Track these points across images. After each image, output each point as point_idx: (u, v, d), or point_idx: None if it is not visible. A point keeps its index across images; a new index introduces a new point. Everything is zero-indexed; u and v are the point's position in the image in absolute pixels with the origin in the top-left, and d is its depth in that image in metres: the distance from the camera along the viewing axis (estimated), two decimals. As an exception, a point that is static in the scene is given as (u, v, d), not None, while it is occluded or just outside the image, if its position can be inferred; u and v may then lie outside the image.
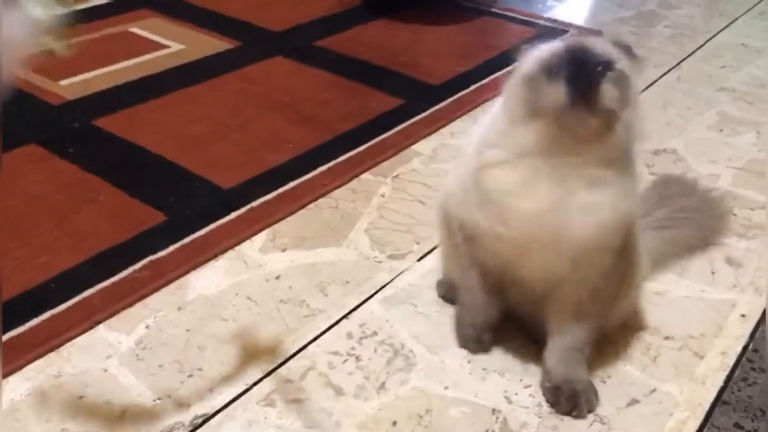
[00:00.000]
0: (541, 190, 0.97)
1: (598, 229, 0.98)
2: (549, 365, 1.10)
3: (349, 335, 1.20)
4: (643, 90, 2.04)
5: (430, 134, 1.80)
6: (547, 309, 1.09)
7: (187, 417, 1.04)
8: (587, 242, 0.98)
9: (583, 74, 0.92)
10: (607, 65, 0.94)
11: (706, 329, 1.23)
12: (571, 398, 1.07)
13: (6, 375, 1.09)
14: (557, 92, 0.92)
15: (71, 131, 1.73)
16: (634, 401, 1.10)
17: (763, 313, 1.27)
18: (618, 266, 1.04)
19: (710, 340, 1.21)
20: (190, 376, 1.11)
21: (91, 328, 1.18)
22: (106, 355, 1.14)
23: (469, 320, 1.18)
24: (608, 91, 0.92)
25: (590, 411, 1.07)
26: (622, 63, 0.96)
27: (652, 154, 1.73)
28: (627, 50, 1.00)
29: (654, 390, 1.12)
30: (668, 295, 1.31)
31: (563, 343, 1.08)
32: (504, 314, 1.17)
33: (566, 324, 1.08)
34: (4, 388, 1.07)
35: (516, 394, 1.10)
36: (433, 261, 1.36)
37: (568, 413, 1.06)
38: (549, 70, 0.94)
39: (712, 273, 1.36)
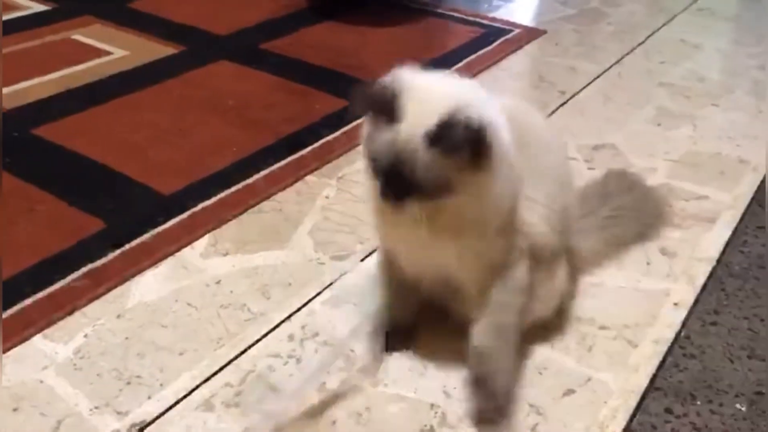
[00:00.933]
0: (402, 225, 0.99)
1: (462, 253, 1.02)
2: (473, 344, 1.08)
3: (291, 337, 1.21)
4: (585, 86, 2.09)
5: (374, 135, 1.80)
6: (456, 296, 1.11)
7: (124, 425, 1.04)
8: (456, 266, 1.05)
9: (394, 180, 0.91)
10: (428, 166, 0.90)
11: (640, 318, 1.26)
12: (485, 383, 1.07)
13: (-62, 390, 1.08)
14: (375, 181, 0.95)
15: (9, 141, 1.70)
16: (569, 391, 1.12)
17: (696, 299, 1.30)
18: (501, 241, 1.04)
19: (644, 328, 1.24)
20: (129, 383, 1.11)
21: (26, 339, 1.17)
22: (43, 365, 1.13)
23: (388, 315, 1.19)
24: (426, 189, 0.91)
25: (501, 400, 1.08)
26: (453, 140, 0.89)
27: (592, 150, 1.77)
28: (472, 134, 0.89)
29: (589, 379, 1.14)
30: (605, 286, 1.34)
31: (483, 322, 1.07)
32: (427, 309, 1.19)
33: (479, 302, 1.07)
34: (-64, 404, 1.06)
35: (454, 388, 1.12)
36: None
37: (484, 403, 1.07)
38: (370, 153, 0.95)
39: (647, 263, 1.39)
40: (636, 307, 1.29)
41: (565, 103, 2.00)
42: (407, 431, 1.05)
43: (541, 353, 1.18)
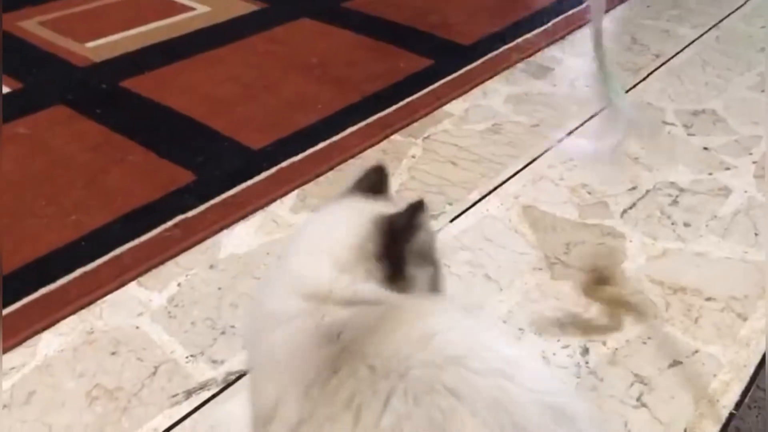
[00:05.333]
0: None
1: None
2: None
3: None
4: (681, 50, 1.99)
5: (461, 95, 1.76)
6: None
7: (220, 374, 1.03)
8: None
9: None
10: None
11: (749, 290, 1.19)
12: None
13: (39, 331, 1.09)
14: None
15: (99, 92, 1.72)
16: (675, 362, 1.07)
17: (809, 274, 1.23)
18: None
19: (754, 301, 1.17)
20: (223, 333, 1.10)
21: (122, 285, 1.18)
22: (138, 312, 1.13)
23: None
24: None
25: None
26: None
27: (691, 115, 1.68)
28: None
29: (696, 351, 1.08)
30: (709, 256, 1.27)
31: None
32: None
33: None
34: (38, 345, 1.07)
35: (554, 354, 1.08)
36: (467, 221, 1.34)
37: None
38: None
39: (755, 234, 1.32)
40: (744, 278, 1.22)
41: (660, 66, 1.90)
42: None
43: (644, 322, 1.13)
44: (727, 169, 1.50)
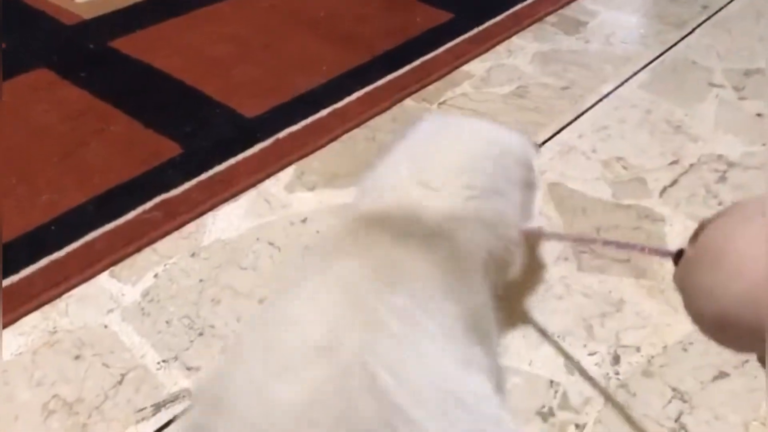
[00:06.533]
0: None
1: None
2: None
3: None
4: (731, 0, 1.77)
5: (483, 53, 1.58)
6: None
7: (193, 382, 0.91)
8: None
9: None
10: None
11: (811, 286, 1.02)
12: None
13: (-3, 330, 0.97)
14: None
15: (85, 53, 1.58)
16: (722, 374, 0.91)
17: None
18: None
19: (816, 299, 1.01)
20: (201, 334, 0.97)
21: (92, 276, 1.05)
22: (108, 308, 1.01)
23: None
24: None
25: None
26: None
27: (743, 75, 1.48)
28: None
29: (746, 362, 0.93)
30: (763, 244, 1.10)
31: None
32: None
33: None
34: (-6, 346, 0.96)
35: (579, 362, 0.93)
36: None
37: None
38: None
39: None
40: (804, 271, 1.05)
41: (708, 19, 1.70)
42: (521, 412, 0.87)
43: (685, 324, 0.97)
44: (785, 138, 1.31)
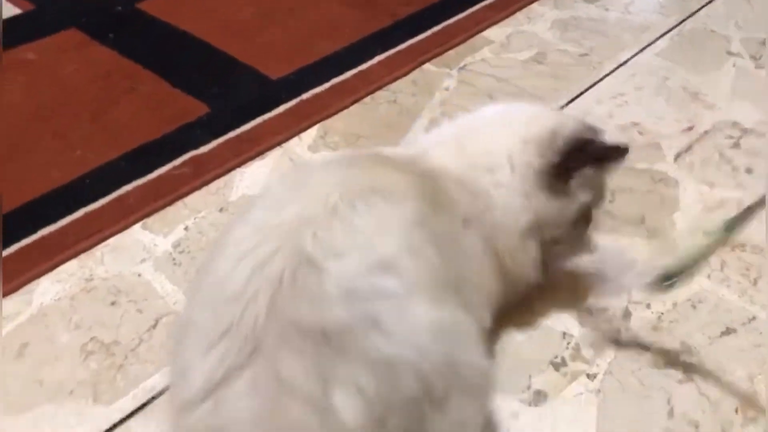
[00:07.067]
0: None
1: None
2: None
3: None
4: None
5: (503, 19, 1.60)
6: None
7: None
8: None
9: None
10: None
11: (820, 249, 1.06)
12: None
13: (36, 277, 1.02)
14: None
15: (113, 15, 1.61)
16: (729, 330, 0.95)
17: None
18: None
19: (823, 262, 1.04)
20: (230, 284, 1.02)
21: (126, 228, 1.10)
22: (141, 258, 1.06)
23: None
24: None
25: None
26: None
27: (760, 45, 1.50)
28: None
29: (753, 318, 0.96)
30: (774, 209, 1.13)
31: None
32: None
33: None
34: (35, 292, 1.01)
35: (591, 317, 0.97)
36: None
37: None
38: None
39: (829, 184, 1.17)
40: (813, 235, 1.08)
41: (728, -12, 1.71)
42: (534, 362, 0.92)
43: (696, 283, 1.01)
44: (800, 107, 1.33)
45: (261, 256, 0.63)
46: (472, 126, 0.92)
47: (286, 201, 0.70)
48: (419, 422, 0.61)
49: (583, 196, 0.88)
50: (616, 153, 0.88)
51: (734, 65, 1.45)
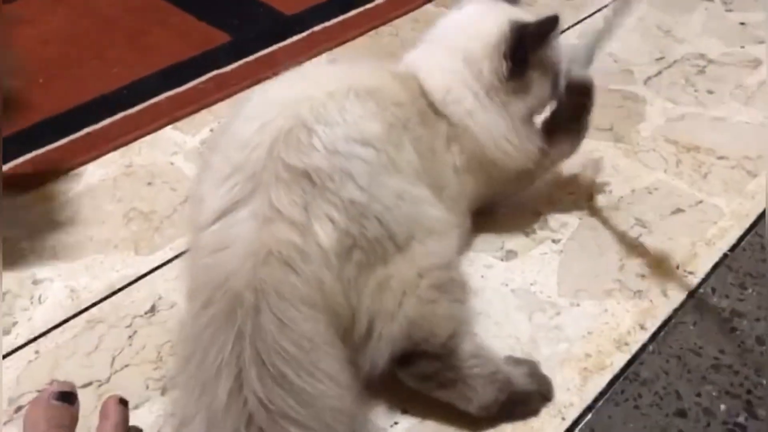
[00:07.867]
0: None
1: None
2: None
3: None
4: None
5: (496, -31, 1.75)
6: None
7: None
8: None
9: None
10: None
11: (764, 151, 1.21)
12: None
13: (82, 164, 1.19)
14: None
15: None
16: (678, 210, 1.10)
17: (828, 139, 1.23)
18: None
19: (766, 161, 1.19)
20: (249, 171, 1.18)
21: (159, 128, 1.26)
22: (173, 151, 1.22)
23: None
24: None
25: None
26: None
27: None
28: None
29: (700, 201, 1.12)
30: (728, 121, 1.28)
31: None
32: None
33: None
34: (83, 174, 1.17)
35: (560, 200, 1.13)
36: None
37: None
38: None
39: (779, 102, 1.32)
40: (760, 141, 1.23)
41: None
42: (508, 230, 1.07)
43: (653, 175, 1.16)
44: (761, 42, 1.48)
45: (266, 117, 0.80)
46: (438, 46, 1.00)
47: (294, 84, 0.89)
48: (382, 259, 0.77)
49: (545, 78, 0.97)
50: (549, 23, 0.92)
51: (706, 9, 1.60)
